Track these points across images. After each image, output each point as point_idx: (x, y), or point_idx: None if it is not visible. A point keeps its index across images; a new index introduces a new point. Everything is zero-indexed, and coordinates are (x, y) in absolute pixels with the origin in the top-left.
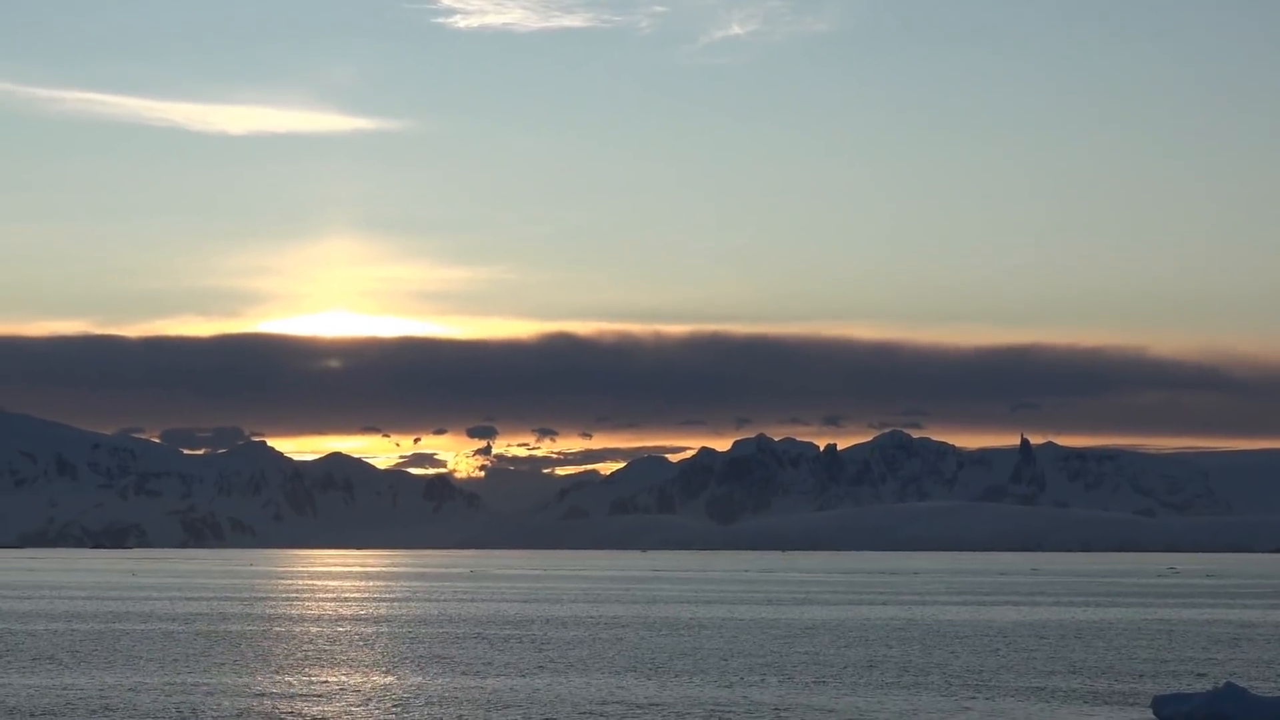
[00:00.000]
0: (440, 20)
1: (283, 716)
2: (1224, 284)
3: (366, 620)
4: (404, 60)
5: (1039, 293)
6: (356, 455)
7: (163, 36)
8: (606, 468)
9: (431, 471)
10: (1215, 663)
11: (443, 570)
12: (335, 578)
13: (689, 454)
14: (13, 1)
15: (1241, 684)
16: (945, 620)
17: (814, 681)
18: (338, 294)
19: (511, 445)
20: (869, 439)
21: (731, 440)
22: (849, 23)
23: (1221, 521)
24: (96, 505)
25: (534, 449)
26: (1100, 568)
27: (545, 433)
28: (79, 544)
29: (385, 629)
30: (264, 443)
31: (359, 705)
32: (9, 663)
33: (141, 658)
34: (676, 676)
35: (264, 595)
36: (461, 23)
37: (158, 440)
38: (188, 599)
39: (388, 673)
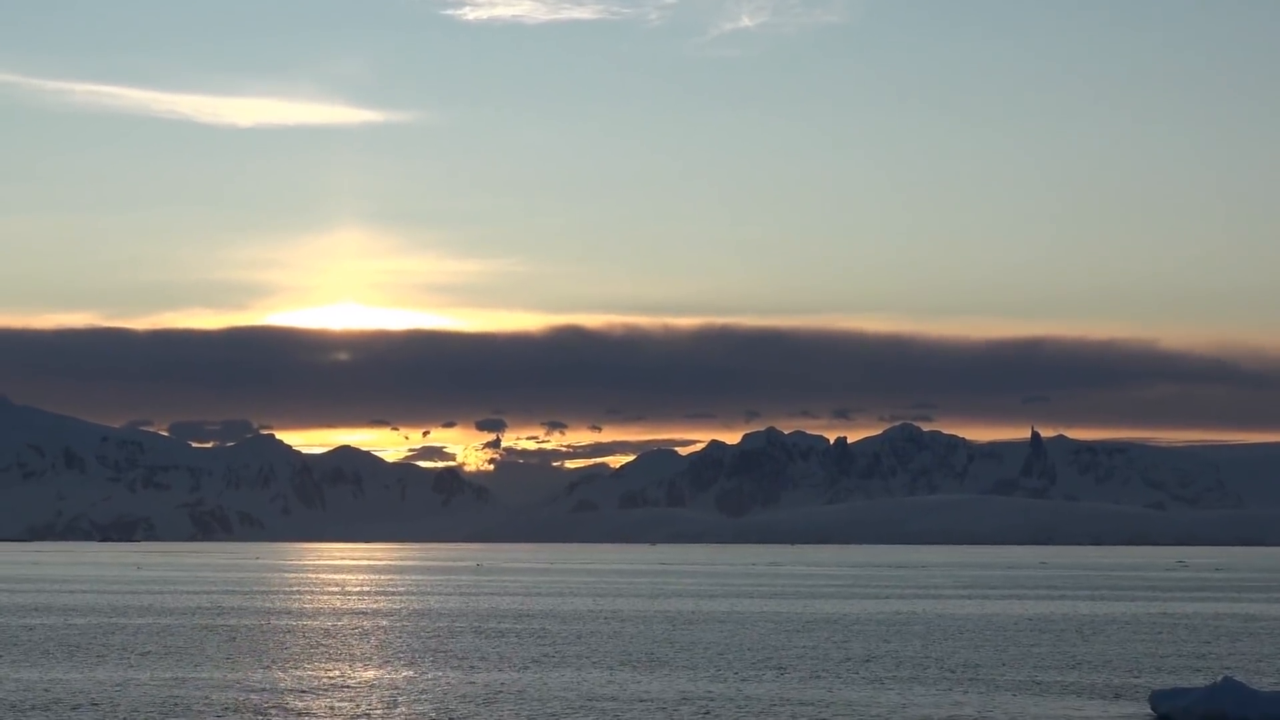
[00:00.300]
0: (449, 12)
1: (270, 711)
2: (1235, 276)
3: (366, 614)
4: (413, 52)
5: (1050, 285)
6: (365, 448)
7: (170, 28)
8: (616, 461)
9: (440, 465)
10: (1217, 657)
11: (449, 564)
12: (340, 571)
13: (698, 447)
14: None
15: (1241, 678)
16: (947, 614)
17: (808, 676)
18: (346, 286)
19: (521, 438)
20: (879, 432)
21: (741, 433)
22: (859, 14)
23: (1233, 515)
24: (104, 498)
25: (543, 442)
26: (1109, 561)
27: (554, 426)
28: (87, 537)
29: (384, 623)
30: (272, 436)
31: (348, 700)
32: (0, 657)
33: (134, 652)
34: (670, 671)
35: (266, 589)
36: (471, 14)
37: (166, 433)
38: (189, 593)
39: (380, 667)
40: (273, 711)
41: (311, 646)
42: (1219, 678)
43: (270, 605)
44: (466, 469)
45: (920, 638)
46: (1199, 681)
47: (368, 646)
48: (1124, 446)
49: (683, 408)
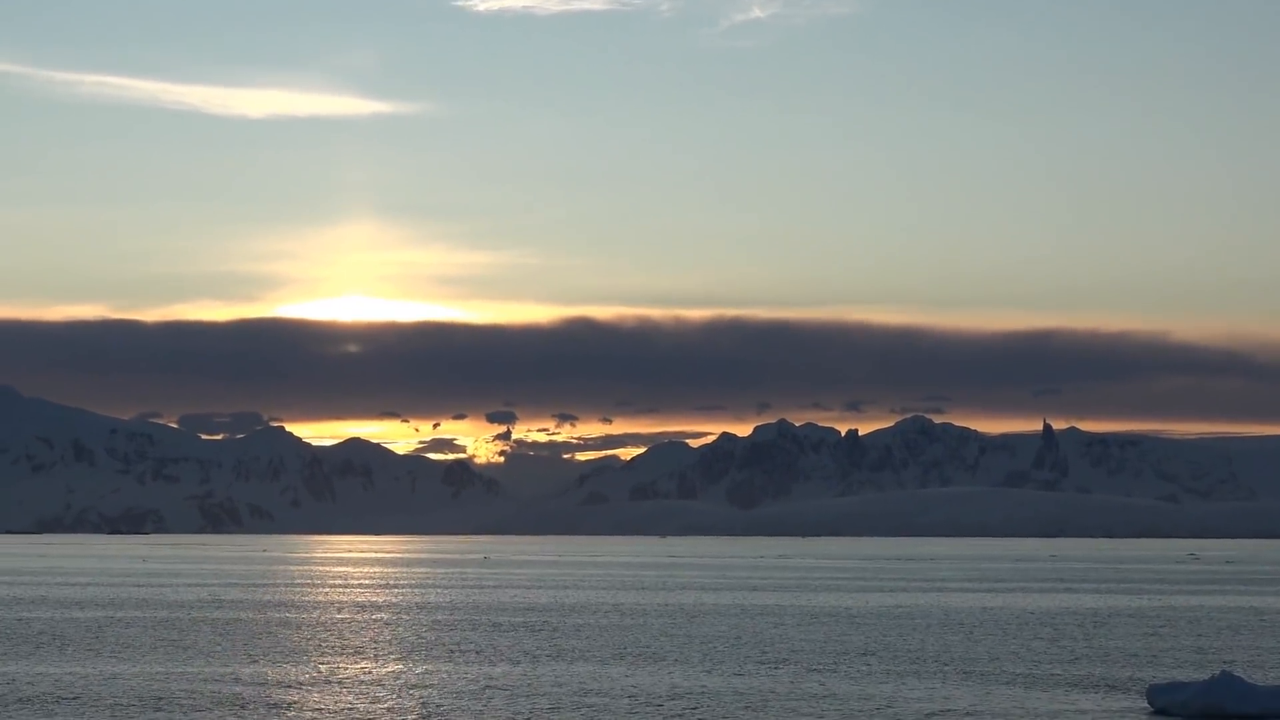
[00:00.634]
0: (460, 3)
1: (256, 705)
2: (1247, 269)
3: (372, 607)
4: (423, 44)
5: (1061, 278)
6: (375, 440)
7: (180, 20)
8: (627, 453)
9: (451, 457)
10: (1217, 651)
11: (458, 556)
12: (348, 564)
13: (709, 439)
14: None
15: (1240, 672)
16: (952, 607)
17: (806, 669)
18: (356, 278)
19: (531, 430)
20: (891, 424)
21: (752, 425)
22: (870, 6)
23: (1245, 507)
24: (114, 491)
25: (554, 434)
26: (1119, 554)
27: (565, 418)
28: (96, 530)
29: (388, 616)
30: (282, 428)
31: (332, 696)
32: None
33: (130, 645)
34: (669, 663)
35: (272, 582)
36: (481, 6)
37: (175, 425)
38: (192, 585)
39: (380, 660)
40: (258, 705)
41: (307, 640)
42: (1217, 672)
43: (271, 598)
44: (477, 461)
45: (920, 631)
46: (1198, 676)
47: (362, 640)
48: (1136, 439)
49: (693, 400)
